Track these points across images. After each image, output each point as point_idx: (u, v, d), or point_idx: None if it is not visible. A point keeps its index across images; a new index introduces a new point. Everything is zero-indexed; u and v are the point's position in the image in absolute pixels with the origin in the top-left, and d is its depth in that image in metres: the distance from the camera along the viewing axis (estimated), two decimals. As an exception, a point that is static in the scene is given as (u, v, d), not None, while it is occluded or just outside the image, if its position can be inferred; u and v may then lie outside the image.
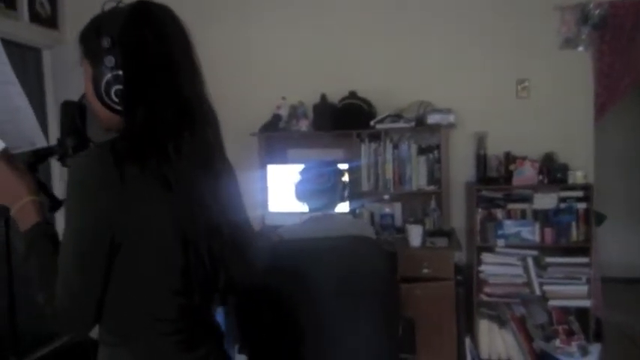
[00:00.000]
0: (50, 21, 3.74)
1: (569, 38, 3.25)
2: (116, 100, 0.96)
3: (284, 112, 3.44)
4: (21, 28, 3.47)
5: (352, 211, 3.03)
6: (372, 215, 3.24)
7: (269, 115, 3.43)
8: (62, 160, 1.08)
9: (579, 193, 3.09)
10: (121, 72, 0.95)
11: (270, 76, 3.59)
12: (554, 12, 3.27)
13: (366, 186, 3.26)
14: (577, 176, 3.07)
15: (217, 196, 1.02)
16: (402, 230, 3.20)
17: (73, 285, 0.91)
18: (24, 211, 1.00)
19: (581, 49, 3.25)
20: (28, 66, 3.66)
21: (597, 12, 3.15)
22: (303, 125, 3.32)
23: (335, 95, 3.37)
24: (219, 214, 1.01)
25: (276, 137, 3.41)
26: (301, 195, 2.18)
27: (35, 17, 3.59)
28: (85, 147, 1.09)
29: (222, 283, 1.04)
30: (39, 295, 0.93)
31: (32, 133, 1.11)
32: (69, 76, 3.56)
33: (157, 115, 0.94)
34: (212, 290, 1.05)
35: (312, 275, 1.55)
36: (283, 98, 3.46)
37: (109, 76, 0.96)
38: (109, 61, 0.95)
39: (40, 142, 1.12)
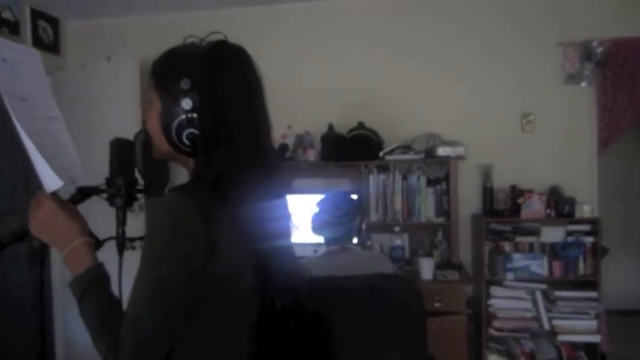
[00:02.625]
0: (52, 46, 3.70)
1: (572, 74, 3.31)
2: (186, 142, 0.93)
3: (290, 142, 3.43)
4: (24, 52, 3.42)
5: (361, 243, 3.00)
6: (381, 247, 3.20)
7: (274, 145, 3.40)
8: (111, 200, 1.03)
9: (586, 227, 3.10)
10: (196, 115, 0.91)
11: (276, 105, 3.55)
12: (557, 48, 3.34)
13: (374, 217, 3.24)
14: (584, 210, 3.09)
15: (289, 242, 1.00)
16: (410, 262, 3.17)
17: (144, 332, 0.85)
18: (76, 253, 0.95)
19: (584, 84, 3.30)
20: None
21: (600, 49, 3.22)
22: (311, 155, 3.30)
23: (341, 125, 3.37)
24: (291, 260, 0.99)
25: (283, 167, 3.37)
26: (318, 227, 2.15)
27: (38, 42, 3.55)
28: (134, 187, 1.05)
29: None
30: (98, 343, 0.87)
31: (74, 170, 1.06)
32: (70, 101, 3.52)
33: (237, 161, 0.92)
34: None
35: (346, 315, 1.50)
36: (289, 127, 3.44)
37: (182, 117, 0.92)
38: (187, 103, 0.91)
39: (81, 181, 1.07)
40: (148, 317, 0.85)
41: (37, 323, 1.16)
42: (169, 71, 0.95)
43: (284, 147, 3.35)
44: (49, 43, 3.67)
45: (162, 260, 0.86)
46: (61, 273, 3.55)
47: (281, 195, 1.00)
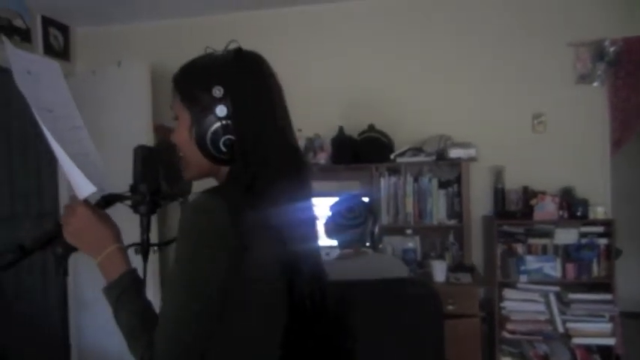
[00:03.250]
0: (63, 53, 3.72)
1: (584, 74, 3.30)
2: (223, 149, 0.94)
3: (300, 145, 3.41)
4: (35, 59, 3.45)
5: (373, 245, 2.99)
6: (393, 250, 3.19)
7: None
8: (135, 207, 1.03)
9: (600, 229, 3.08)
10: (230, 121, 0.92)
11: (286, 108, 3.57)
12: (568, 48, 3.32)
13: (385, 219, 3.23)
14: (597, 212, 3.07)
15: (317, 244, 1.00)
16: (422, 265, 3.16)
17: (179, 333, 0.85)
18: (110, 259, 0.96)
19: (596, 84, 3.28)
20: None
21: (612, 49, 3.20)
22: (322, 158, 3.30)
23: (352, 128, 3.37)
24: (319, 263, 0.99)
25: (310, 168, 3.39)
26: (331, 230, 2.14)
27: (49, 49, 3.58)
28: (158, 194, 1.05)
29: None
30: (133, 346, 0.88)
31: (100, 178, 1.07)
32: (80, 107, 3.53)
33: (270, 164, 0.93)
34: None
35: (365, 319, 1.50)
36: (299, 130, 3.42)
37: (217, 125, 0.93)
38: (221, 110, 0.92)
39: (108, 188, 1.07)
40: (182, 318, 0.86)
41: (60, 328, 1.16)
42: (196, 82, 0.96)
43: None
44: (59, 50, 3.69)
45: (197, 261, 0.86)
46: (74, 275, 3.56)
47: (309, 197, 1.01)
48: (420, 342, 1.62)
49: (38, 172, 3.58)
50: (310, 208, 1.01)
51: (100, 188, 1.04)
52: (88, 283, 3.23)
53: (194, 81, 0.96)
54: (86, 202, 0.99)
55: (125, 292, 0.93)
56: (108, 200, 1.05)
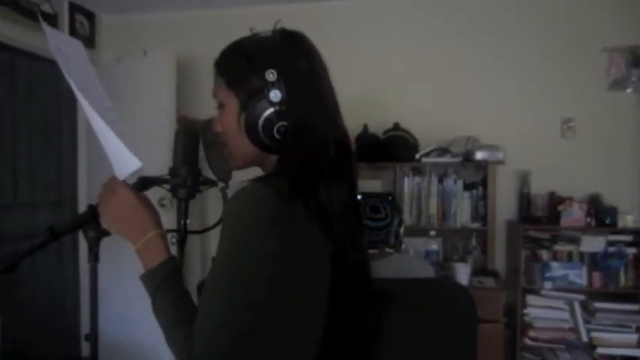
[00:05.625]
0: (88, 40, 3.71)
1: (618, 80, 3.21)
2: (277, 137, 0.88)
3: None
4: (61, 45, 3.44)
5: (395, 246, 2.94)
6: (415, 251, 3.14)
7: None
8: (175, 190, 0.99)
9: (629, 238, 3.00)
10: (284, 107, 0.87)
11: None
12: (602, 53, 3.24)
13: (408, 220, 3.17)
14: (627, 220, 2.99)
15: (363, 239, 0.96)
16: (444, 268, 3.10)
17: (222, 332, 0.80)
18: (151, 245, 0.91)
19: (629, 90, 3.20)
20: (64, 83, 3.63)
21: (647, 54, 3.12)
22: (345, 155, 3.25)
23: (376, 126, 3.32)
24: (366, 260, 0.94)
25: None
26: None
27: (75, 36, 3.56)
28: (198, 178, 1.01)
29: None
30: (172, 337, 0.83)
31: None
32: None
33: (322, 152, 0.88)
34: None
35: (393, 321, 1.45)
36: (323, 127, 3.39)
37: (270, 111, 0.88)
38: (275, 95, 0.87)
39: (140, 169, 1.03)
40: (226, 312, 0.81)
41: (90, 315, 1.13)
42: (246, 65, 0.90)
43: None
44: (85, 37, 3.68)
45: (246, 251, 0.81)
46: (87, 267, 3.56)
47: (355, 191, 0.96)
48: (454, 346, 1.56)
49: (58, 160, 3.57)
50: (356, 203, 0.96)
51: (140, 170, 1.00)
52: (104, 271, 3.21)
53: (243, 64, 0.91)
54: (127, 183, 0.95)
55: (165, 281, 0.88)
56: (145, 183, 1.01)
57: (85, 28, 3.69)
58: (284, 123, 0.88)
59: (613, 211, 3.00)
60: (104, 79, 1.13)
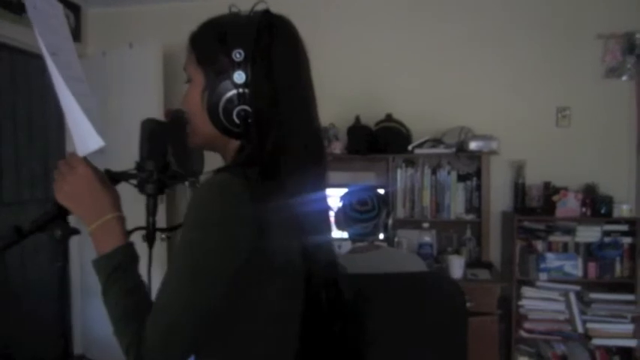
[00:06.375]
0: (74, 33, 3.63)
1: (613, 67, 3.16)
2: (236, 121, 0.83)
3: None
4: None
5: (387, 239, 2.89)
6: (408, 244, 3.09)
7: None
8: (141, 186, 0.94)
9: (624, 227, 2.96)
10: (247, 90, 0.82)
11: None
12: (597, 41, 3.18)
13: (401, 212, 3.13)
14: (623, 209, 2.95)
15: (331, 235, 0.91)
16: (438, 260, 3.06)
17: (176, 332, 0.75)
18: (106, 229, 0.85)
19: (625, 78, 3.15)
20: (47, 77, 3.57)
21: (643, 41, 3.06)
22: (337, 148, 3.20)
23: (368, 117, 3.26)
24: (333, 254, 0.89)
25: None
26: (342, 222, 2.04)
27: (60, 28, 3.49)
28: (166, 172, 0.96)
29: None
30: (120, 332, 0.78)
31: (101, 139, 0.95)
32: (91, 89, 3.45)
33: (291, 143, 0.82)
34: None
35: (385, 315, 1.40)
36: (314, 119, 3.33)
37: (232, 93, 0.82)
38: (239, 76, 0.81)
39: (102, 149, 0.97)
40: (182, 310, 0.76)
41: (57, 315, 1.07)
42: (216, 42, 0.85)
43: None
44: (70, 30, 3.60)
45: (210, 245, 0.76)
46: (80, 261, 3.51)
47: (325, 187, 0.90)
48: (442, 340, 1.52)
49: (45, 157, 3.51)
50: (325, 198, 0.91)
51: (101, 150, 0.94)
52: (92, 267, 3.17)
53: (213, 41, 0.85)
54: (87, 161, 0.89)
55: (119, 268, 0.82)
56: (111, 178, 0.96)
57: (70, 21, 3.61)
58: (245, 107, 0.82)
59: (608, 201, 2.96)
60: (90, 73, 1.06)
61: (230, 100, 0.83)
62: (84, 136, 0.87)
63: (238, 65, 0.81)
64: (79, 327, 3.62)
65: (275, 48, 0.84)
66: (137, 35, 3.47)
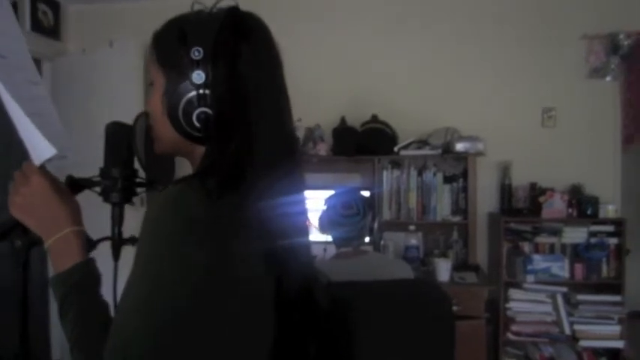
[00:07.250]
0: (52, 31, 3.54)
1: (597, 68, 3.15)
2: (196, 124, 0.77)
3: (299, 135, 3.27)
4: (22, 37, 3.28)
5: (373, 242, 2.85)
6: (394, 247, 3.05)
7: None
8: (106, 194, 0.88)
9: (610, 228, 2.95)
10: (208, 92, 0.76)
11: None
12: (581, 41, 3.17)
13: (387, 215, 3.09)
14: (608, 210, 2.94)
15: (307, 240, 0.85)
16: (424, 263, 3.03)
17: (133, 350, 0.68)
18: (63, 244, 0.79)
19: (609, 78, 3.14)
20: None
21: (627, 42, 3.05)
22: (322, 149, 3.15)
23: (354, 118, 3.22)
24: (309, 261, 0.84)
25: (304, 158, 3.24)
26: (326, 226, 1.98)
27: (37, 26, 3.39)
28: (133, 180, 0.90)
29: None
30: (77, 358, 0.72)
31: (61, 142, 0.88)
32: (69, 89, 3.37)
33: (258, 149, 0.76)
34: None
35: (370, 324, 1.35)
36: (299, 120, 3.28)
37: (192, 94, 0.76)
38: (198, 77, 0.75)
39: (70, 154, 0.91)
40: (139, 330, 0.68)
41: (19, 333, 1.01)
42: (175, 41, 0.79)
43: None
44: (49, 28, 3.51)
45: (164, 263, 0.69)
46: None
47: (301, 189, 0.84)
48: (429, 349, 1.47)
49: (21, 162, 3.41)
50: (301, 202, 0.84)
51: (61, 154, 0.88)
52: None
53: (172, 39, 0.79)
54: (43, 170, 0.83)
55: (75, 288, 0.77)
56: (74, 185, 0.90)
57: (48, 18, 3.52)
58: (205, 110, 0.76)
59: (594, 202, 2.95)
60: (69, 71, 1.00)
61: (190, 102, 0.76)
62: (35, 145, 0.81)
63: (197, 64, 0.75)
64: (59, 332, 3.53)
65: (240, 46, 0.77)
66: (118, 33, 3.39)
